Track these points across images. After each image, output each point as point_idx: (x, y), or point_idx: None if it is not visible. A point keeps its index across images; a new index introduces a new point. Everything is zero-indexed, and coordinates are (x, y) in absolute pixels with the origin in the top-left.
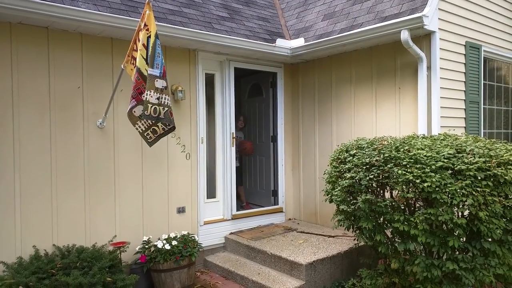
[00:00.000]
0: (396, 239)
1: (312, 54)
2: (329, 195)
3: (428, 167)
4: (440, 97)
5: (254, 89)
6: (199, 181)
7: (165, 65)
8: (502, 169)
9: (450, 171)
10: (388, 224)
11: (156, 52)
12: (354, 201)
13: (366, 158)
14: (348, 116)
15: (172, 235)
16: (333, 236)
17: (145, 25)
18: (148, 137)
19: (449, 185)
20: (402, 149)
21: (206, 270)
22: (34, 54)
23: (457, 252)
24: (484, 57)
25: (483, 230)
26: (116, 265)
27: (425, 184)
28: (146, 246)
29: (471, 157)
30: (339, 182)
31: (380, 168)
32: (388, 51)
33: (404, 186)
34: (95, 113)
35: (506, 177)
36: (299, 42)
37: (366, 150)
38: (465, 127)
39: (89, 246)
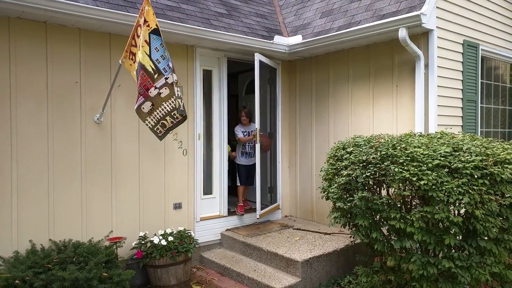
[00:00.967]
0: (392, 237)
1: (310, 51)
2: (326, 192)
3: (425, 165)
4: (437, 96)
5: (252, 86)
6: (196, 177)
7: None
8: (498, 167)
9: (446, 169)
10: (384, 222)
11: (159, 53)
12: (351, 198)
13: (363, 155)
14: (345, 113)
15: (169, 231)
16: (329, 234)
17: (145, 21)
18: (158, 131)
19: (445, 183)
20: (399, 147)
21: (202, 266)
22: (32, 49)
23: (453, 250)
24: (481, 55)
25: (479, 228)
26: (112, 260)
27: (422, 182)
28: (143, 242)
29: (467, 156)
30: (336, 180)
31: (377, 165)
32: (385, 49)
33: (400, 184)
34: (93, 108)
35: (503, 176)
36: (297, 39)
37: (363, 147)
38: (462, 125)
39: (85, 241)
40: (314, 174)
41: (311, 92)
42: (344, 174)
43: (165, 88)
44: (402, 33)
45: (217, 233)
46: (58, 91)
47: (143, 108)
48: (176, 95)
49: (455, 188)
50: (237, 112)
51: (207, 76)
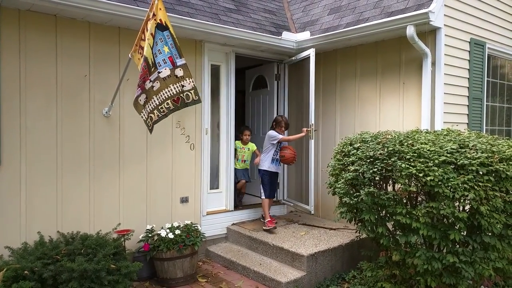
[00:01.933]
0: (398, 232)
1: (318, 47)
2: (332, 188)
3: (431, 161)
4: (444, 93)
5: (259, 82)
6: (203, 171)
7: (171, 56)
8: (504, 164)
9: (452, 166)
10: (390, 217)
11: (155, 41)
12: (357, 193)
13: (370, 151)
14: (352, 109)
15: (176, 224)
16: (335, 229)
17: (153, 14)
18: (148, 124)
19: (451, 179)
20: (406, 143)
21: (208, 260)
22: (42, 42)
23: (458, 246)
24: (488, 54)
25: (484, 224)
26: (120, 252)
27: (428, 178)
28: (150, 235)
29: (473, 152)
30: (343, 175)
31: (384, 161)
32: (393, 46)
33: (407, 180)
34: (101, 101)
35: (508, 173)
36: (305, 35)
37: (370, 143)
38: (467, 123)
39: (93, 233)
40: (320, 170)
41: (318, 88)
42: (351, 169)
43: (157, 82)
44: (410, 31)
45: (223, 227)
46: (68, 84)
47: (140, 100)
48: (177, 89)
49: (460, 184)
50: (243, 108)
51: (215, 71)
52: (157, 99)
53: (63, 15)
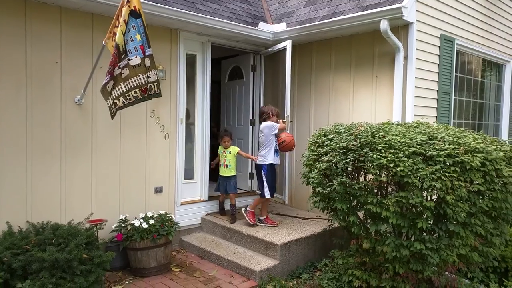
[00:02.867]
0: (368, 221)
1: (293, 39)
2: (306, 178)
3: (402, 152)
4: (415, 87)
5: (235, 72)
6: (177, 161)
7: (143, 44)
8: (469, 156)
9: (421, 157)
10: (361, 206)
11: (127, 28)
12: (330, 183)
13: (343, 142)
14: (326, 101)
15: (149, 214)
16: (308, 218)
17: (127, 1)
18: (112, 110)
19: (420, 169)
20: (377, 135)
21: (182, 249)
22: (11, 27)
23: (425, 234)
24: (457, 50)
25: (449, 213)
26: (93, 242)
27: (398, 169)
28: (123, 225)
29: (441, 144)
30: (316, 165)
31: (356, 152)
32: (367, 39)
33: (378, 170)
34: (74, 89)
35: (472, 164)
36: (281, 27)
37: (343, 134)
38: (436, 116)
39: (64, 223)
40: (294, 160)
41: (293, 79)
42: (324, 160)
43: (126, 69)
44: (384, 25)
45: (197, 217)
46: (38, 71)
47: (107, 86)
48: (147, 77)
49: (429, 175)
50: (219, 98)
51: (191, 61)
52: (125, 86)
53: None
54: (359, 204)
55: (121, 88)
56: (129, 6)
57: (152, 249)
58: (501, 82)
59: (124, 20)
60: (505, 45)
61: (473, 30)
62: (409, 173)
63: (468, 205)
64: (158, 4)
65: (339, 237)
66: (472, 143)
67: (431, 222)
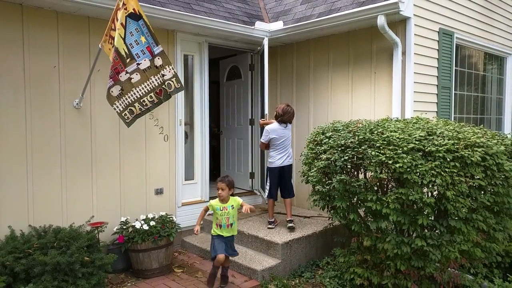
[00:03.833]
0: (369, 218)
1: (291, 37)
2: (306, 176)
3: (400, 149)
4: (414, 82)
5: (233, 72)
6: (177, 163)
7: (149, 46)
8: (469, 151)
9: (421, 153)
10: (362, 204)
11: (128, 31)
12: (329, 181)
13: (342, 140)
14: (325, 99)
15: (150, 215)
16: (309, 217)
17: (123, 4)
18: (126, 117)
19: (419, 166)
20: (376, 132)
21: (184, 250)
22: (8, 32)
23: (426, 230)
24: (456, 43)
25: (450, 208)
26: (94, 245)
27: (397, 165)
28: (124, 227)
29: (441, 139)
30: (315, 163)
31: (355, 149)
32: (365, 36)
33: (377, 167)
34: (72, 93)
35: (473, 159)
36: (278, 25)
37: (341, 132)
38: (436, 111)
39: (66, 226)
40: (294, 159)
41: (291, 78)
42: (323, 158)
43: (136, 74)
44: (381, 20)
45: None
46: (36, 76)
47: (111, 91)
48: (158, 81)
49: (428, 171)
50: (218, 99)
51: (188, 62)
52: (138, 92)
53: (29, 4)
54: (359, 202)
55: (134, 93)
56: (125, 9)
57: (153, 251)
58: (502, 75)
59: (122, 24)
60: (506, 38)
61: (472, 23)
62: (408, 169)
63: (469, 200)
64: (154, 6)
65: (341, 235)
66: (472, 137)
67: (432, 219)
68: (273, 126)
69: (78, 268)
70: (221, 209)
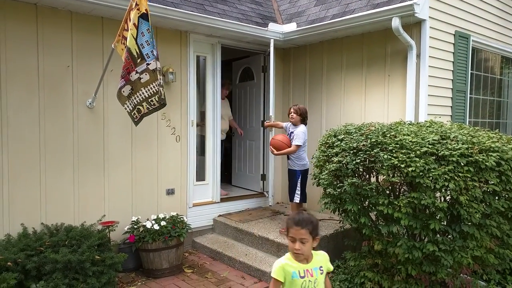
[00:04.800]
0: (380, 222)
1: (304, 39)
2: (317, 179)
3: (413, 153)
4: (428, 85)
5: (246, 73)
6: (189, 163)
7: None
8: (483, 155)
9: (434, 157)
10: (373, 207)
11: (139, 32)
12: (341, 184)
13: (354, 143)
14: (337, 101)
15: (161, 215)
16: (319, 220)
17: (136, 4)
18: (134, 116)
19: (432, 170)
20: (388, 135)
21: (194, 251)
22: (23, 32)
23: (438, 235)
24: (472, 47)
25: (463, 214)
26: (105, 243)
27: (410, 169)
28: (135, 226)
29: (454, 144)
30: (327, 166)
31: (367, 152)
32: (379, 38)
33: (389, 171)
34: (85, 93)
35: (487, 163)
36: (292, 27)
37: (353, 135)
38: (451, 115)
39: (77, 225)
40: None
41: (304, 80)
42: (335, 160)
43: (146, 74)
44: (395, 23)
45: (209, 219)
46: (50, 76)
47: (123, 91)
48: (158, 82)
49: (441, 175)
50: (230, 100)
51: (201, 63)
52: (146, 92)
53: (43, 4)
54: (371, 205)
55: (143, 93)
56: (138, 9)
57: (164, 251)
58: None
59: (134, 24)
60: None
61: (489, 26)
62: (421, 173)
63: (483, 205)
64: (167, 7)
65: (351, 239)
66: (487, 142)
67: (444, 223)
68: (305, 128)
69: (88, 267)
70: (302, 274)
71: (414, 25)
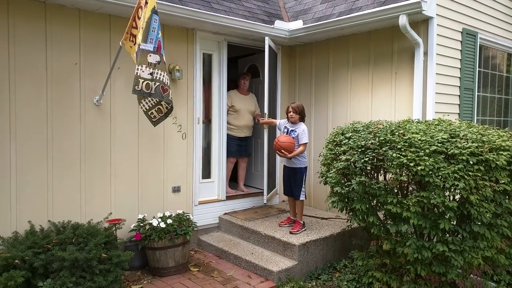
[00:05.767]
0: (389, 221)
1: (310, 37)
2: (324, 177)
3: (422, 151)
4: (436, 83)
5: (252, 71)
6: (195, 161)
7: (161, 40)
8: (494, 154)
9: (443, 155)
10: (381, 206)
11: (151, 27)
12: (348, 183)
13: (362, 141)
14: (344, 99)
15: (167, 213)
16: (326, 218)
17: (146, 2)
18: (152, 116)
19: (442, 169)
20: (397, 133)
21: (200, 249)
22: (31, 29)
23: (448, 235)
24: (480, 44)
25: (474, 213)
26: (112, 241)
27: (419, 168)
28: (141, 224)
29: (464, 142)
30: (334, 164)
31: (375, 151)
32: (385, 35)
33: (398, 169)
34: (92, 90)
35: (498, 162)
36: (298, 24)
37: (361, 133)
38: (459, 113)
39: (84, 222)
40: (312, 159)
41: (310, 77)
42: (342, 159)
43: (149, 69)
44: (403, 20)
45: (215, 217)
46: (58, 72)
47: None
48: (157, 78)
49: (451, 174)
50: None
51: (207, 60)
52: (154, 87)
53: (52, 2)
54: (379, 204)
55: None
56: (147, 7)
57: (170, 249)
58: None
59: (147, 22)
60: None
61: (497, 24)
62: (430, 172)
63: (494, 205)
64: (174, 4)
65: (359, 238)
66: (497, 140)
67: (454, 223)
68: (305, 126)
69: (95, 265)
70: None
71: (421, 23)
